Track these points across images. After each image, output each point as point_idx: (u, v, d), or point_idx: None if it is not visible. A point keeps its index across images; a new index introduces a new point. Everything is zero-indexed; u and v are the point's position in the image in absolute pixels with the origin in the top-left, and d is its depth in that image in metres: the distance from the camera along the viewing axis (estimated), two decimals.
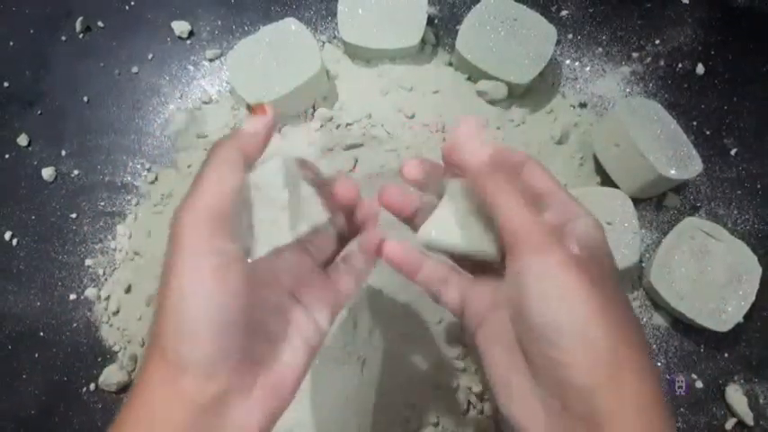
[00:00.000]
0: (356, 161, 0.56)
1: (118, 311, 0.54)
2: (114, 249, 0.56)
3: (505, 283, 0.28)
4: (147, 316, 0.54)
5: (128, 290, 0.55)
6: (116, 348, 0.53)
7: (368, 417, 0.49)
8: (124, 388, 0.52)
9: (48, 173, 0.59)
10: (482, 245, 0.30)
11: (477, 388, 0.49)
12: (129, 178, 0.59)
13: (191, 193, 0.28)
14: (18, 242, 0.57)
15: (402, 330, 0.50)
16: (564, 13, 0.65)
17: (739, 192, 0.58)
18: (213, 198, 0.28)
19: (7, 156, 0.60)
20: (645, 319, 0.54)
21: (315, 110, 0.58)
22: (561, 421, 0.25)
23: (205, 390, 0.25)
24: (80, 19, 0.64)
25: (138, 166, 0.59)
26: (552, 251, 0.26)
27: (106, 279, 0.56)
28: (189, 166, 0.58)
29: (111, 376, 0.51)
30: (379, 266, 0.35)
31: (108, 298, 0.55)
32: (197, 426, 0.24)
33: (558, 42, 0.62)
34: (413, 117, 0.57)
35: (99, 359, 0.53)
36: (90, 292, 0.55)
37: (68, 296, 0.55)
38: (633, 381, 0.25)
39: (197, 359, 0.24)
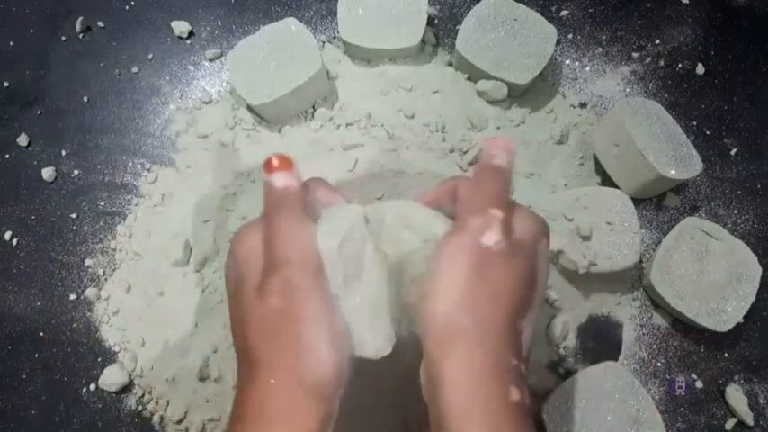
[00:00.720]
0: (356, 161, 0.56)
1: (118, 311, 0.54)
2: (114, 249, 0.56)
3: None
4: (147, 316, 0.54)
5: (128, 290, 0.55)
6: (116, 348, 0.53)
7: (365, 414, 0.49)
8: (124, 388, 0.52)
9: (48, 173, 0.59)
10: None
11: None
12: (129, 178, 0.59)
13: (275, 246, 0.30)
14: (18, 242, 0.57)
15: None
16: (564, 13, 0.65)
17: (739, 192, 0.58)
18: (309, 252, 0.31)
19: (7, 156, 0.60)
20: (645, 319, 0.54)
21: (315, 110, 0.58)
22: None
23: (326, 424, 0.29)
24: (80, 19, 0.64)
25: (138, 166, 0.59)
26: (466, 234, 0.31)
27: (106, 279, 0.56)
28: (189, 167, 0.58)
29: (111, 376, 0.51)
30: None
31: (108, 298, 0.55)
32: None
33: (558, 42, 0.62)
34: (413, 117, 0.57)
35: (99, 359, 0.53)
36: (90, 292, 0.55)
37: (68, 296, 0.55)
38: (463, 351, 0.29)
39: (330, 395, 0.29)
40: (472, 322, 0.29)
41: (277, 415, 0.28)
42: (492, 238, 0.30)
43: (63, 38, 0.64)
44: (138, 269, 0.55)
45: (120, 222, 0.57)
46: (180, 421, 0.50)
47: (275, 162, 0.32)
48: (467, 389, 0.28)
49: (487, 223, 0.31)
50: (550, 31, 0.57)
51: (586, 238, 0.51)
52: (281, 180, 0.32)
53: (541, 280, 0.32)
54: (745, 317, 0.50)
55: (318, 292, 0.30)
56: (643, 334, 0.54)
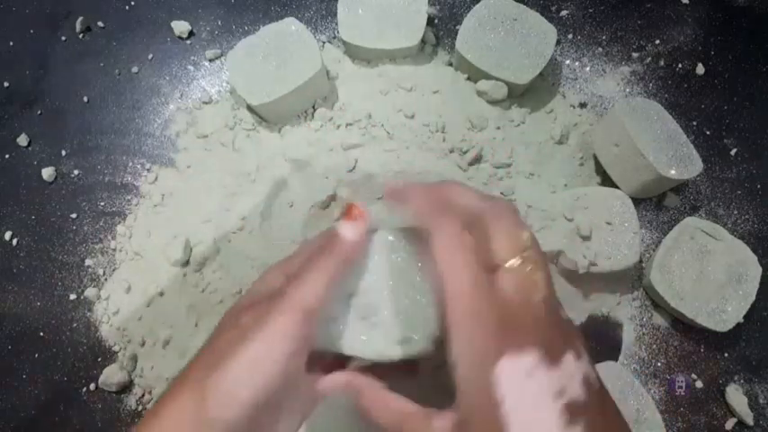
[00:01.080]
0: (356, 161, 0.56)
1: (118, 311, 0.54)
2: (114, 249, 0.56)
3: None
4: (147, 316, 0.54)
5: (128, 290, 0.55)
6: (116, 348, 0.53)
7: None
8: (124, 388, 0.52)
9: (48, 173, 0.59)
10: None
11: None
12: (129, 178, 0.59)
13: (294, 282, 0.30)
14: (18, 242, 0.57)
15: None
16: (564, 13, 0.65)
17: (739, 192, 0.58)
18: (317, 298, 0.30)
19: (7, 156, 0.60)
20: (645, 319, 0.54)
21: (315, 110, 0.58)
22: None
23: None
24: (80, 19, 0.64)
25: (138, 166, 0.59)
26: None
27: (106, 279, 0.56)
28: (189, 167, 0.58)
29: (111, 376, 0.51)
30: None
31: (108, 298, 0.55)
32: None
33: (558, 42, 0.62)
34: (413, 117, 0.57)
35: (99, 359, 0.53)
36: (90, 292, 0.55)
37: (68, 296, 0.55)
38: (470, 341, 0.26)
39: (227, 417, 0.27)
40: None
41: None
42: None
43: (63, 38, 0.64)
44: (138, 269, 0.55)
45: (120, 222, 0.57)
46: None
47: (355, 212, 0.32)
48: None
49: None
50: (550, 31, 0.57)
51: (586, 238, 0.51)
52: (352, 232, 0.32)
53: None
54: (745, 317, 0.50)
55: (291, 339, 0.28)
56: (643, 334, 0.54)
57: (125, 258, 0.56)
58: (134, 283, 0.55)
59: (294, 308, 0.29)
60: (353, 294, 0.33)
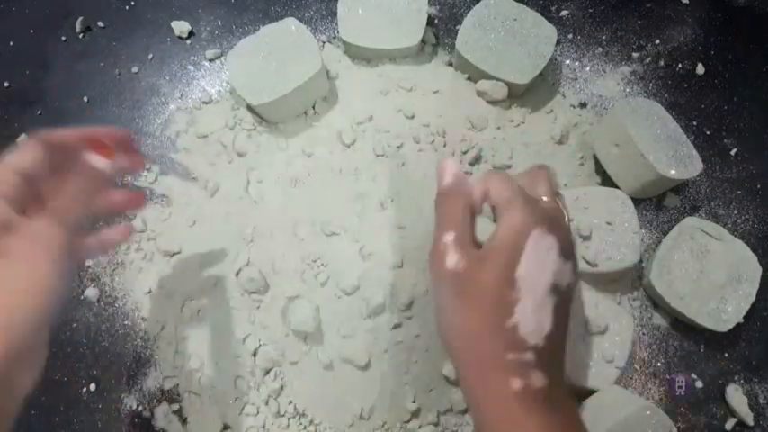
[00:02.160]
0: (356, 161, 0.56)
1: (118, 311, 0.54)
2: (114, 249, 0.56)
3: None
4: (147, 315, 0.54)
5: (128, 290, 0.55)
6: (116, 348, 0.53)
7: (370, 402, 0.49)
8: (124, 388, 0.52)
9: None
10: None
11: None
12: (129, 178, 0.59)
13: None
14: None
15: (411, 330, 0.50)
16: (564, 13, 0.65)
17: (739, 192, 0.58)
18: None
19: None
20: (645, 319, 0.54)
21: (315, 110, 0.58)
22: None
23: None
24: (80, 19, 0.64)
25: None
26: (436, 262, 0.36)
27: (107, 279, 0.56)
28: (189, 166, 0.58)
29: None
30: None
31: (108, 298, 0.55)
32: None
33: (558, 42, 0.61)
34: (413, 117, 0.57)
35: (99, 359, 0.53)
36: (90, 292, 0.55)
37: (68, 296, 0.55)
38: (479, 345, 0.34)
39: None
40: (458, 334, 0.35)
41: None
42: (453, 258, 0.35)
43: (63, 38, 0.64)
44: (138, 269, 0.55)
45: (119, 222, 0.57)
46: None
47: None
48: (473, 384, 0.34)
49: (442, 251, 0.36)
50: (550, 31, 0.57)
51: (586, 238, 0.51)
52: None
53: (527, 270, 0.34)
54: (745, 317, 0.50)
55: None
56: (643, 334, 0.54)
57: (125, 258, 0.56)
58: (134, 282, 0.55)
59: None
60: None
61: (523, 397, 0.31)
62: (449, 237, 0.35)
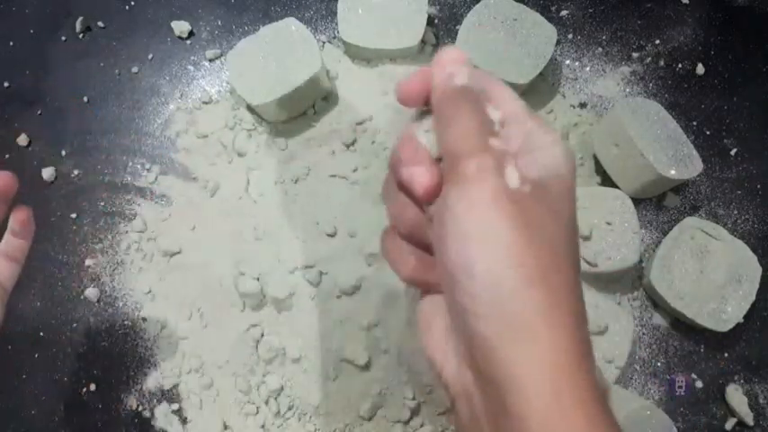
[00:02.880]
0: (356, 161, 0.56)
1: (118, 311, 0.54)
2: (114, 249, 0.56)
3: (435, 212, 0.25)
4: (147, 315, 0.54)
5: (128, 289, 0.55)
6: (115, 348, 0.53)
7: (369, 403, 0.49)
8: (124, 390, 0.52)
9: (48, 173, 0.59)
10: None
11: None
12: (129, 178, 0.59)
13: None
14: None
15: (408, 330, 0.50)
16: (564, 13, 0.65)
17: (739, 192, 0.58)
18: None
19: (7, 156, 0.60)
20: (645, 319, 0.54)
21: (315, 110, 0.58)
22: (468, 375, 0.23)
23: None
24: (80, 19, 0.64)
25: (138, 166, 0.59)
26: (482, 181, 0.22)
27: (107, 279, 0.56)
28: (189, 166, 0.58)
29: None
30: None
31: (108, 298, 0.55)
32: None
33: (558, 42, 0.61)
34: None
35: (99, 359, 0.53)
36: (90, 292, 0.55)
37: (68, 296, 0.55)
38: (542, 335, 0.21)
39: None
40: (545, 298, 0.22)
41: None
42: (524, 171, 0.23)
43: (63, 38, 0.64)
44: (138, 269, 0.55)
45: (119, 222, 0.57)
46: None
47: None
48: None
49: (518, 159, 0.24)
50: (550, 31, 0.57)
51: (586, 239, 0.51)
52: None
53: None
54: (745, 317, 0.50)
55: None
56: (643, 334, 0.54)
57: (125, 258, 0.56)
58: (134, 282, 0.55)
59: None
60: None
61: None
62: (484, 156, 0.23)
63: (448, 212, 0.23)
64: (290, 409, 0.50)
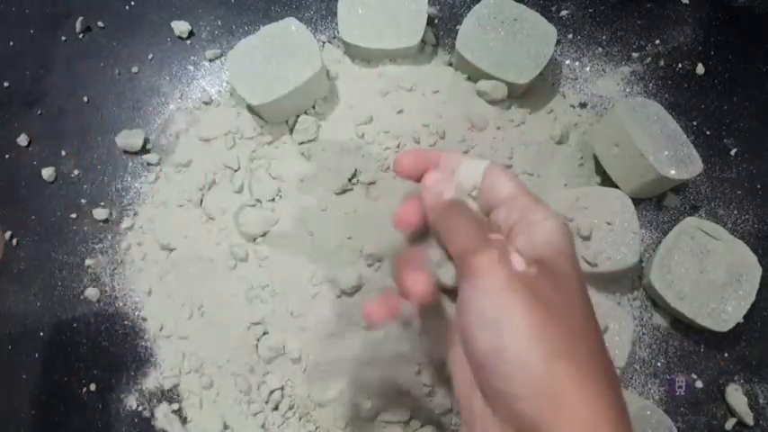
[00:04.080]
0: (356, 161, 0.56)
1: (118, 311, 0.54)
2: (115, 249, 0.56)
3: (456, 308, 0.28)
4: (147, 315, 0.54)
5: (128, 289, 0.55)
6: (116, 349, 0.53)
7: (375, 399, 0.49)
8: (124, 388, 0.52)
9: (48, 173, 0.59)
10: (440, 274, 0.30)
11: None
12: (130, 178, 0.59)
13: None
14: (18, 242, 0.57)
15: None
16: (564, 13, 0.65)
17: (739, 192, 0.58)
18: None
19: (7, 156, 0.60)
20: (645, 319, 0.54)
21: (315, 110, 0.58)
22: None
23: None
24: (80, 19, 0.64)
25: (139, 167, 0.59)
26: (492, 273, 0.25)
27: (108, 279, 0.56)
28: (189, 166, 0.58)
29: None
30: None
31: (108, 298, 0.55)
32: None
33: (558, 42, 0.62)
34: (413, 117, 0.57)
35: (99, 359, 0.53)
36: (90, 292, 0.55)
37: (68, 296, 0.55)
38: (578, 404, 0.23)
39: None
40: (570, 365, 0.24)
41: None
42: (525, 251, 0.26)
43: (63, 38, 0.64)
44: (138, 269, 0.55)
45: (119, 222, 0.57)
46: None
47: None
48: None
49: (518, 239, 0.27)
50: (550, 31, 0.57)
51: (586, 239, 0.51)
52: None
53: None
54: (745, 317, 0.50)
55: None
56: (643, 334, 0.54)
57: (126, 258, 0.56)
58: (135, 282, 0.55)
59: None
60: None
61: None
62: (490, 251, 0.26)
63: (468, 305, 0.26)
64: (290, 408, 0.50)
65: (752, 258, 0.52)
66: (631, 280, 0.55)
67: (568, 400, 0.23)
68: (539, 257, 0.26)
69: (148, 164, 0.59)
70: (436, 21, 0.64)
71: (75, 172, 0.59)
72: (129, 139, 0.59)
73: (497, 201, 0.29)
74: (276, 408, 0.50)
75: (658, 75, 0.62)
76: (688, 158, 0.53)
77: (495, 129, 0.57)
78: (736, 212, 0.58)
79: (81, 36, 0.64)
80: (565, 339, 0.24)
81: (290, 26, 0.56)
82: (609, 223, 0.52)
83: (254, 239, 0.53)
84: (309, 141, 0.57)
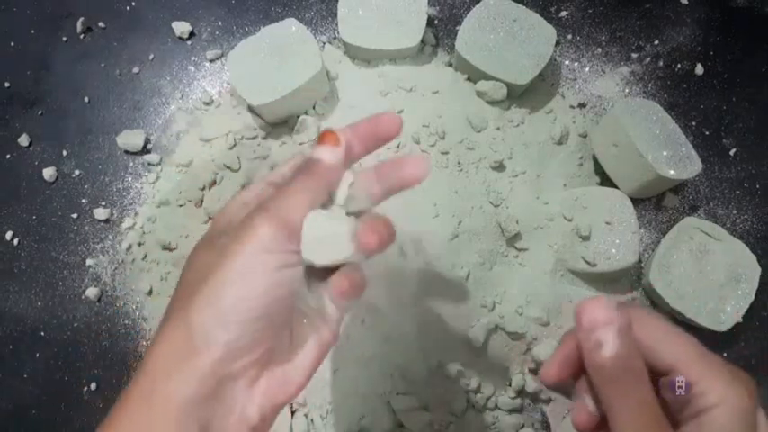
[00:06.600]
0: (356, 162, 0.56)
1: (119, 311, 0.54)
2: (115, 249, 0.57)
3: None
4: (147, 315, 0.54)
5: (129, 290, 0.55)
6: (116, 348, 0.53)
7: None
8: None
9: (49, 173, 0.59)
10: None
11: (474, 384, 0.49)
12: (130, 178, 0.59)
13: (274, 197, 0.28)
14: (19, 242, 0.57)
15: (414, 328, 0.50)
16: (563, 13, 0.65)
17: (738, 192, 0.58)
18: (296, 212, 0.28)
19: (8, 156, 0.60)
20: None
21: (315, 110, 0.58)
22: None
23: (217, 371, 0.25)
24: (81, 20, 0.64)
25: (139, 167, 0.59)
26: None
27: (108, 278, 0.56)
28: (189, 167, 0.58)
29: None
30: None
31: (109, 297, 0.55)
32: (199, 402, 0.25)
33: (558, 43, 0.62)
34: (413, 117, 0.57)
35: (99, 359, 0.53)
36: (90, 292, 0.55)
37: (69, 296, 0.55)
38: None
39: (223, 341, 0.25)
40: None
41: (165, 365, 0.26)
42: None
43: (64, 38, 0.64)
44: (138, 269, 0.56)
45: (120, 222, 0.57)
46: None
47: (331, 137, 0.30)
48: None
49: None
50: (550, 31, 0.57)
51: (585, 238, 0.52)
52: (330, 155, 0.30)
53: None
54: (744, 317, 0.50)
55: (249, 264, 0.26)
56: None
57: (126, 258, 0.56)
58: (135, 283, 0.55)
59: (277, 219, 0.27)
60: None
61: None
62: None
63: None
64: (290, 408, 0.50)
65: (751, 258, 0.52)
66: (630, 280, 0.55)
67: None
68: None
69: (149, 164, 0.59)
70: (436, 21, 0.65)
71: (76, 172, 0.59)
72: (129, 139, 0.59)
73: (663, 364, 0.30)
74: None
75: (657, 75, 0.63)
76: (687, 159, 0.53)
77: (495, 129, 0.57)
78: (735, 212, 0.58)
79: (82, 36, 0.65)
80: None
81: (291, 27, 0.57)
82: (608, 223, 0.52)
83: None
84: (310, 141, 0.57)
